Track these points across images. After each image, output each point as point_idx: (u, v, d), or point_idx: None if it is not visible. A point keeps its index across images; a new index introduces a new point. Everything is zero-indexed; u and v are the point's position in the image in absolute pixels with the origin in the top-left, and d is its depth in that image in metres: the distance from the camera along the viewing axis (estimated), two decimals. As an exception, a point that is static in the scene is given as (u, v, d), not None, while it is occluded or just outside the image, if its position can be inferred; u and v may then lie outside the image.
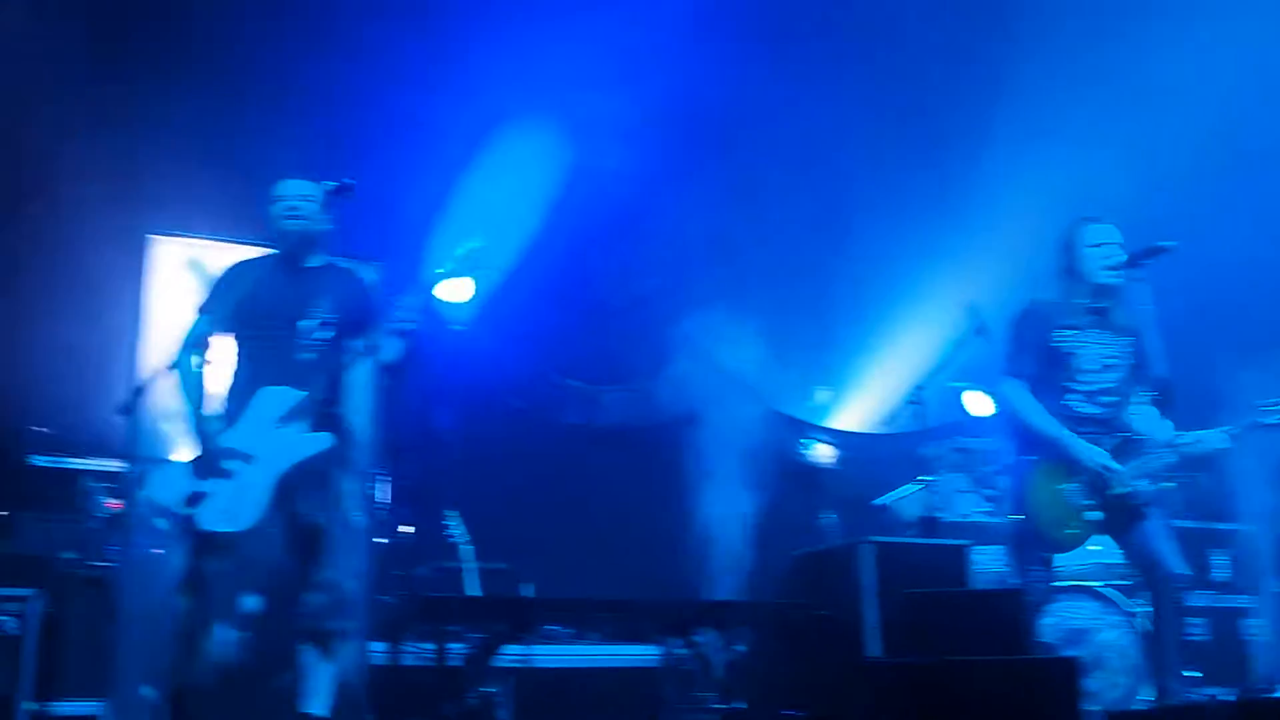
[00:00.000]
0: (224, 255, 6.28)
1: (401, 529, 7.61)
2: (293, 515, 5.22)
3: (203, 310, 5.42)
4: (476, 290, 8.01)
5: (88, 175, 7.80)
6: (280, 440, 5.20)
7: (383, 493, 7.39)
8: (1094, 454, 5.76)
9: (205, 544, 5.12)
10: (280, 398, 5.25)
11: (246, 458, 5.15)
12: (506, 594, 7.75)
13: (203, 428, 5.24)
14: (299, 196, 5.44)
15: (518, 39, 9.23)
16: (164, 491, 5.14)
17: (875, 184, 9.83)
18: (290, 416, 5.23)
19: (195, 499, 5.06)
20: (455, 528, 7.64)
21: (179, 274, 6.68)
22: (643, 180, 9.33)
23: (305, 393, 5.24)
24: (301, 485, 5.22)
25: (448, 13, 9.08)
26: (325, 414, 5.30)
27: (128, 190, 7.81)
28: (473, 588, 7.77)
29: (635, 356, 9.86)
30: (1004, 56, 9.54)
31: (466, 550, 7.83)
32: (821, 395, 10.12)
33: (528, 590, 8.09)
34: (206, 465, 5.14)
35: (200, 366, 5.29)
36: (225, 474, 5.12)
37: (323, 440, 5.26)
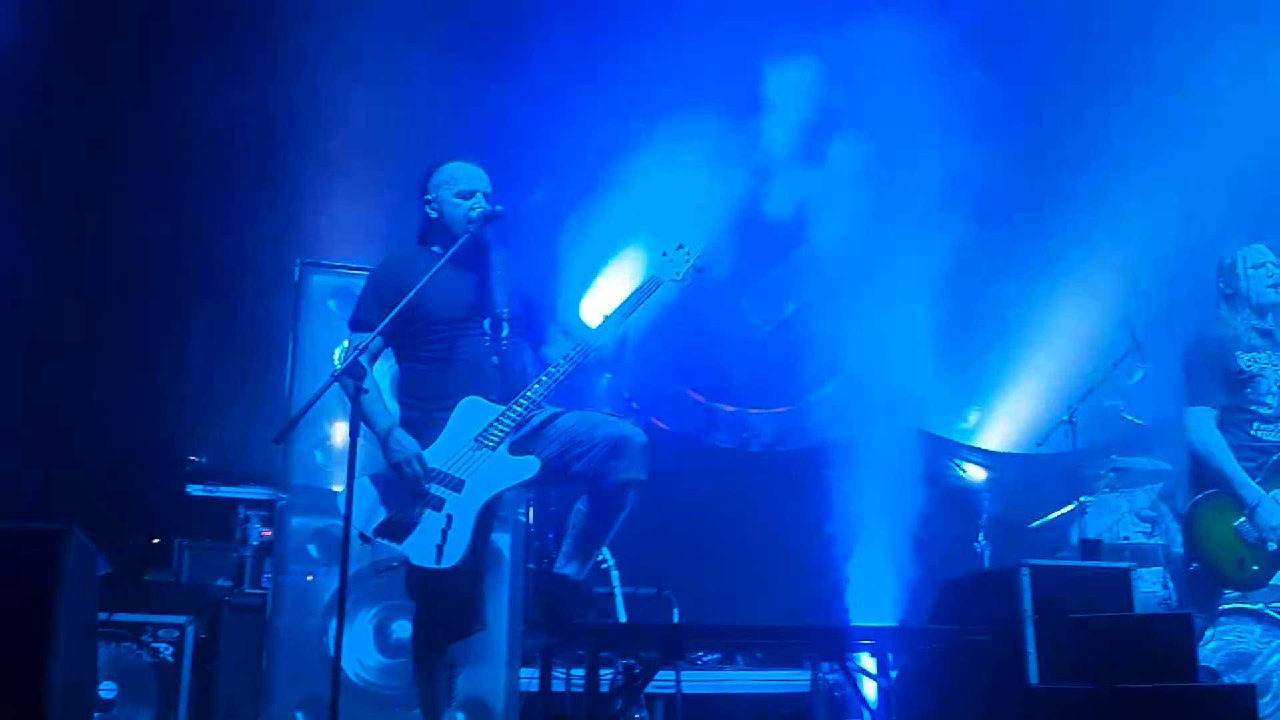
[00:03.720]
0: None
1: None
2: (484, 540, 4.94)
3: (360, 324, 5.05)
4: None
5: (243, 206, 7.96)
6: (486, 464, 4.78)
7: (529, 517, 7.38)
8: (1271, 510, 5.65)
9: (418, 578, 4.87)
10: (479, 411, 4.87)
11: (458, 485, 4.77)
12: (658, 621, 7.71)
13: (397, 449, 4.78)
14: (484, 193, 5.12)
15: (664, 61, 9.25)
16: (358, 515, 4.59)
17: (1025, 199, 9.62)
18: (489, 434, 4.82)
19: (402, 529, 4.68)
20: (603, 552, 7.61)
21: (330, 302, 6.72)
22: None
23: (501, 407, 4.86)
24: (495, 510, 4.94)
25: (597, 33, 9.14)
26: (522, 431, 4.87)
27: (280, 220, 7.96)
28: (621, 611, 7.76)
29: (785, 378, 9.77)
30: (1150, 65, 9.28)
31: (614, 574, 7.83)
32: (973, 416, 9.93)
33: (674, 614, 8.06)
34: (408, 490, 4.74)
35: (365, 390, 4.63)
36: (435, 503, 4.73)
37: (530, 466, 4.85)
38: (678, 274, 5.28)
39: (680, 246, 5.35)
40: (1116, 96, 9.36)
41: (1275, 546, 5.64)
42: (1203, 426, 5.86)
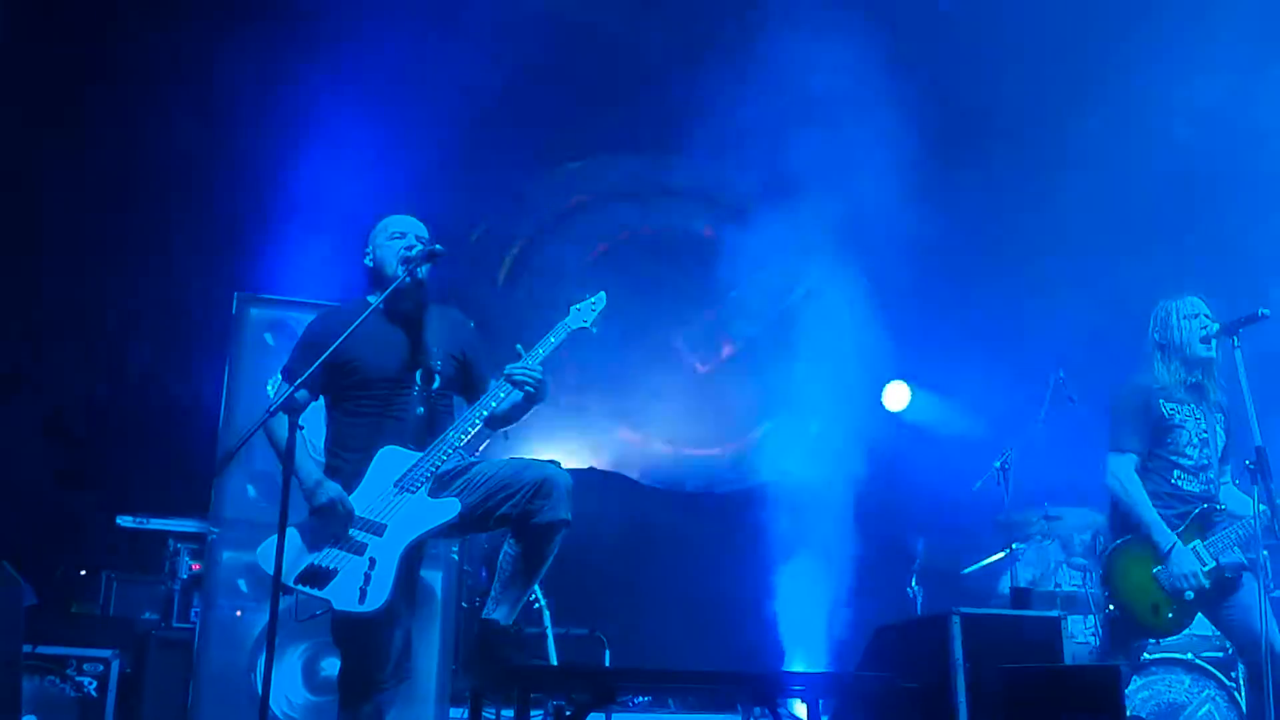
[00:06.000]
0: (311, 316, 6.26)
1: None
2: (410, 587, 4.95)
3: (290, 374, 5.00)
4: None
5: (181, 238, 7.91)
6: (407, 508, 4.79)
7: (461, 556, 7.34)
8: (1182, 558, 5.70)
9: (342, 623, 4.82)
10: (399, 459, 4.88)
11: (379, 529, 4.76)
12: (589, 662, 7.68)
13: (322, 493, 4.79)
14: (418, 235, 5.14)
15: (600, 99, 9.30)
16: (274, 561, 4.54)
17: (961, 248, 9.73)
18: (410, 480, 4.84)
19: (324, 576, 4.67)
20: (535, 592, 7.58)
21: (267, 335, 6.67)
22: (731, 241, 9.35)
23: (421, 453, 4.88)
24: (420, 555, 4.96)
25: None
26: (444, 475, 4.89)
27: (217, 251, 7.91)
28: (553, 652, 7.73)
29: (721, 421, 9.80)
30: (1088, 116, 9.43)
31: (546, 615, 7.79)
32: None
33: (606, 656, 8.04)
34: (332, 535, 4.75)
35: (300, 427, 4.67)
36: (357, 548, 4.72)
37: (450, 508, 4.84)
38: (586, 321, 5.31)
39: (583, 300, 5.39)
40: (1054, 148, 9.49)
41: (1191, 595, 5.70)
42: (1121, 471, 5.90)
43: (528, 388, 5.00)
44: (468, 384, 5.18)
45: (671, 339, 10.30)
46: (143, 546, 7.20)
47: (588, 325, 5.30)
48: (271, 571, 4.57)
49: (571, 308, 5.34)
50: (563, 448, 9.38)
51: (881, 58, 8.53)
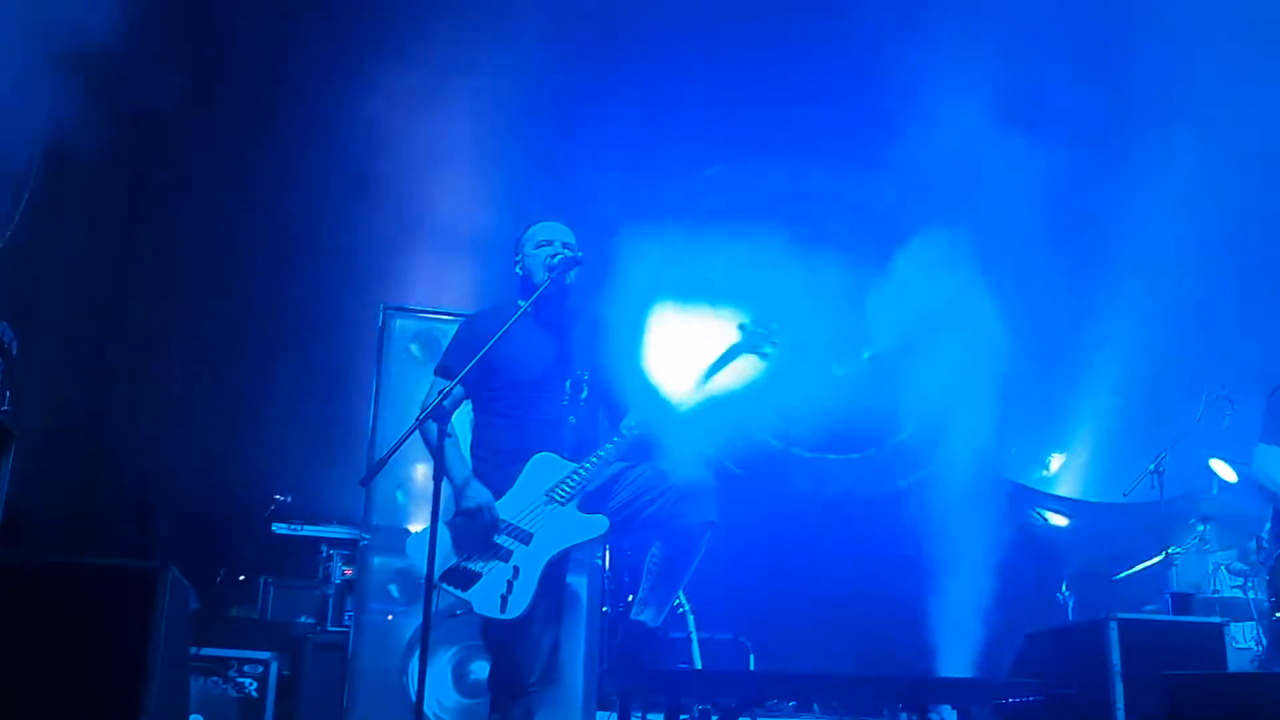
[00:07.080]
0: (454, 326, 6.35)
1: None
2: (558, 592, 4.95)
3: (446, 371, 5.01)
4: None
5: (326, 251, 8.08)
6: (556, 520, 4.78)
7: (605, 560, 7.37)
8: None
9: (491, 627, 4.84)
10: (552, 467, 4.87)
11: (526, 537, 4.76)
12: (735, 667, 7.67)
13: (471, 496, 4.79)
14: (564, 243, 5.14)
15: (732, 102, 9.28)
16: (422, 554, 4.49)
17: (1112, 241, 9.50)
18: (560, 490, 4.82)
19: (468, 578, 4.68)
20: (679, 597, 7.58)
21: (412, 346, 6.79)
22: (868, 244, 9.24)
23: (574, 463, 4.87)
24: (566, 562, 4.96)
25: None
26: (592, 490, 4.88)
27: (364, 265, 8.07)
28: (697, 656, 7.73)
29: (861, 424, 9.70)
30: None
31: (690, 619, 7.80)
32: (1055, 462, 9.79)
33: (750, 660, 8.02)
34: (479, 539, 4.75)
35: (450, 431, 4.70)
36: (504, 554, 4.73)
37: (599, 525, 4.83)
38: (757, 347, 5.26)
39: (756, 321, 5.36)
40: (1213, 125, 9.21)
41: None
42: (1266, 461, 5.75)
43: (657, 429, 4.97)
44: (612, 395, 5.18)
45: (811, 343, 10.22)
46: (297, 553, 7.37)
47: (760, 352, 5.28)
48: (419, 563, 4.59)
49: (743, 330, 5.32)
50: (703, 454, 9.37)
51: (1040, 69, 8.38)
